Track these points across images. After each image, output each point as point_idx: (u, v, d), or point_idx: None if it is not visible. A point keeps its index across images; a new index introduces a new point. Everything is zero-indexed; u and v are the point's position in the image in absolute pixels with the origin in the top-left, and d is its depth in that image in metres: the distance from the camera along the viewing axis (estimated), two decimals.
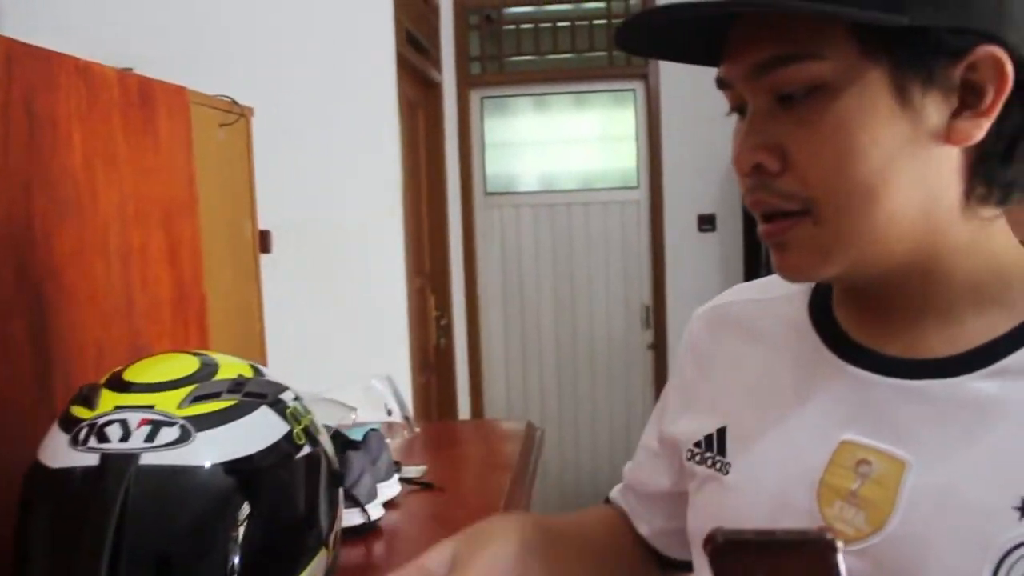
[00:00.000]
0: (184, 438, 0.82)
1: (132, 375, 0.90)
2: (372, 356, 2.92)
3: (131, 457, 0.81)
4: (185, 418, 0.84)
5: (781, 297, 0.81)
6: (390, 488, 1.47)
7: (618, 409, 4.60)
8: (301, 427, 0.92)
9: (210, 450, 0.83)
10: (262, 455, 0.86)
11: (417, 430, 1.92)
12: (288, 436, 0.90)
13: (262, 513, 0.84)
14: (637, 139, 4.48)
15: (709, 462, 0.79)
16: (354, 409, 1.64)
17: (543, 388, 4.63)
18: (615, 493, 1.00)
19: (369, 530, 1.35)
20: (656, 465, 0.92)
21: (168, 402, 0.85)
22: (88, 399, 0.88)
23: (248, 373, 0.93)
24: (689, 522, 0.83)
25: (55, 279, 1.27)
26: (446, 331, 4.20)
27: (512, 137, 4.63)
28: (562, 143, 4.62)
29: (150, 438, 0.82)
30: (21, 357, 1.19)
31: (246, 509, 0.83)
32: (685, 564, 0.96)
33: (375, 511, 1.37)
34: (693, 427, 0.82)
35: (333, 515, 0.95)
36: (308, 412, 0.96)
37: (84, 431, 0.84)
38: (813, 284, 0.78)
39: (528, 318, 4.59)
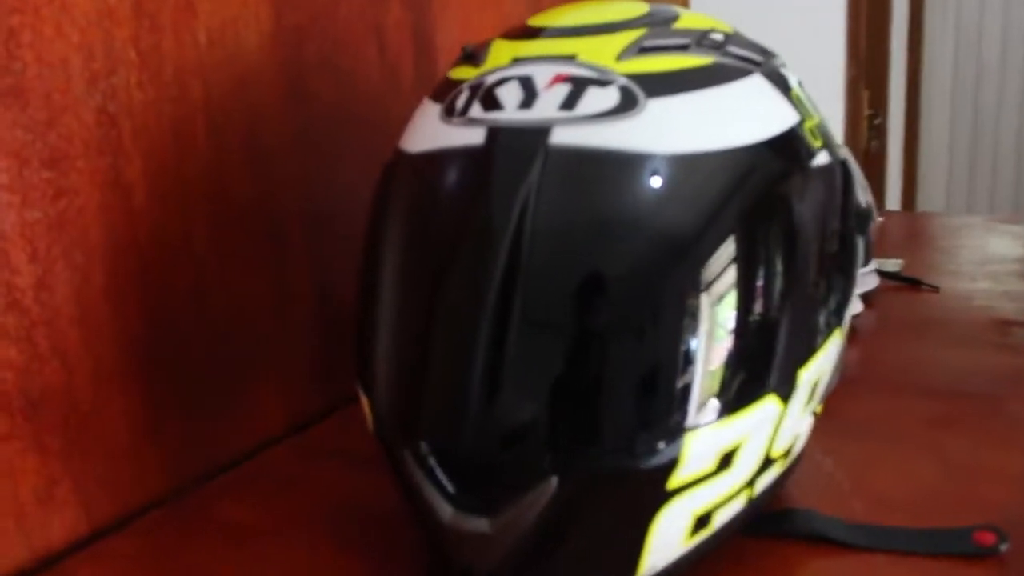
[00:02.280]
0: (627, 106, 0.46)
1: (541, 20, 0.55)
2: None
3: (537, 133, 0.46)
4: (629, 76, 0.48)
5: None
6: (867, 280, 1.08)
7: None
8: (814, 122, 0.54)
9: (671, 130, 0.46)
10: (760, 150, 0.48)
11: (880, 219, 1.49)
12: (798, 130, 0.51)
13: (757, 253, 0.47)
14: None
15: None
16: None
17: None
18: None
19: None
20: None
21: (600, 51, 0.49)
22: (473, 56, 0.55)
23: (726, 29, 0.55)
24: None
25: None
26: (879, 132, 3.61)
27: None
28: None
29: (569, 104, 0.47)
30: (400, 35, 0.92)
31: (730, 245, 0.46)
32: None
33: (854, 305, 0.99)
34: None
35: (850, 277, 0.57)
36: (816, 109, 0.57)
37: (463, 96, 0.51)
38: None
39: (984, 123, 3.83)
